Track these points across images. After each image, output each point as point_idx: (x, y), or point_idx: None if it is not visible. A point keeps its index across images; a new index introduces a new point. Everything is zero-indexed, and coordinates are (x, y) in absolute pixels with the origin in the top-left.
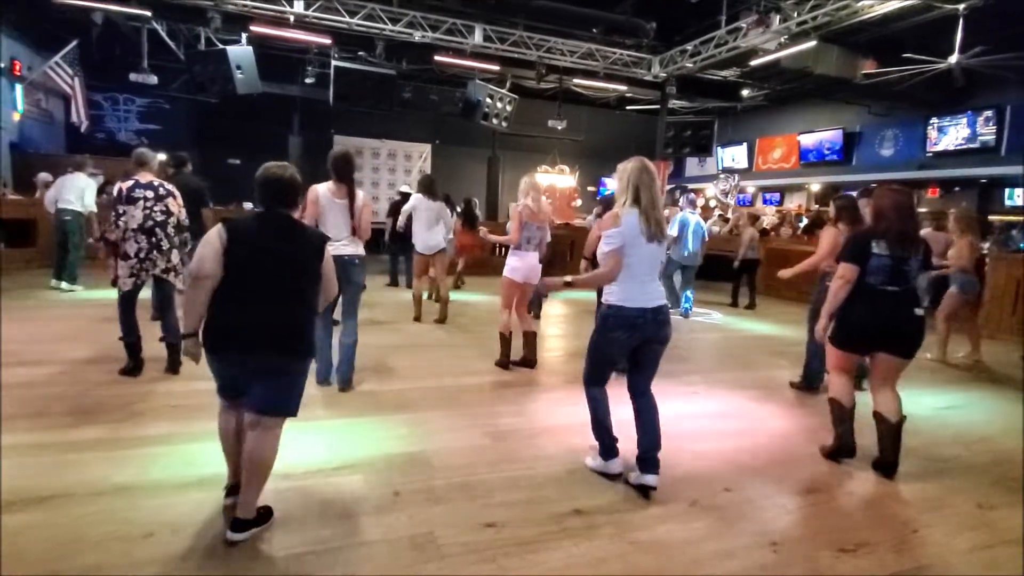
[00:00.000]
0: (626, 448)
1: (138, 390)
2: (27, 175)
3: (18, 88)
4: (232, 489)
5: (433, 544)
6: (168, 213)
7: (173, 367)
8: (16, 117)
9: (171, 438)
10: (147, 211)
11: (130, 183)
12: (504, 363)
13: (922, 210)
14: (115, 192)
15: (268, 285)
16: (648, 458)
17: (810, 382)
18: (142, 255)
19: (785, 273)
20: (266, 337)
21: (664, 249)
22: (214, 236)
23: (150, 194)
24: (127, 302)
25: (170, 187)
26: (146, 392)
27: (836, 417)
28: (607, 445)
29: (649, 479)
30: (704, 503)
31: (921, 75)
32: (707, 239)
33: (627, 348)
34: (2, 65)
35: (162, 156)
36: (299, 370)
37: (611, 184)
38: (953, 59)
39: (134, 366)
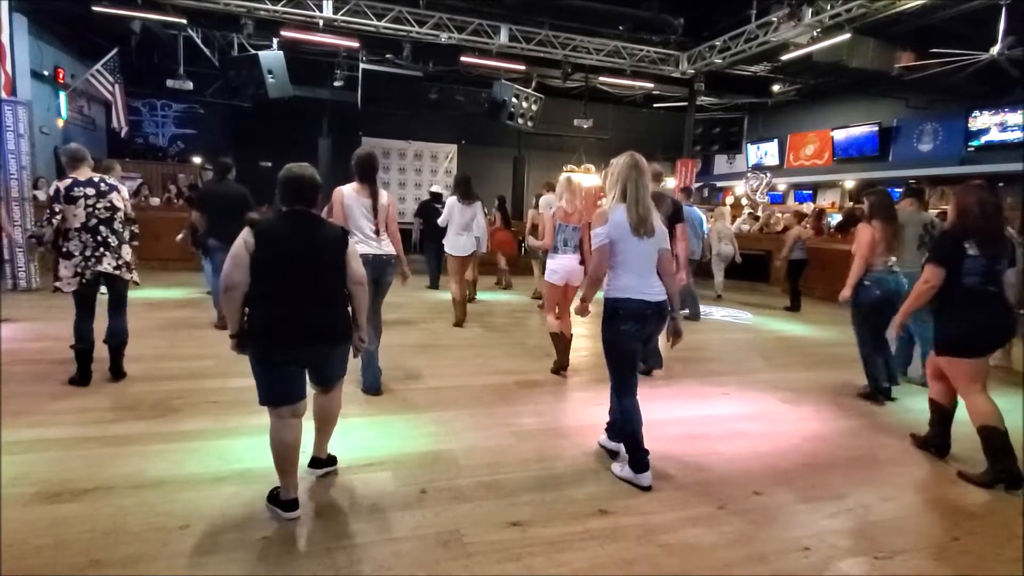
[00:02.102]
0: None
1: (175, 387)
2: None
3: (62, 95)
4: (290, 505)
5: (459, 542)
6: (113, 209)
7: (116, 373)
8: (60, 123)
9: (206, 433)
10: (89, 209)
11: (67, 182)
12: (563, 367)
13: None
14: (51, 191)
15: (297, 282)
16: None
17: (878, 391)
18: (87, 253)
19: (845, 294)
20: (305, 332)
21: (658, 244)
22: (240, 246)
23: (91, 191)
24: (82, 306)
25: (113, 182)
26: (183, 389)
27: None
28: (638, 460)
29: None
30: (734, 506)
31: (962, 67)
32: (705, 235)
33: (639, 339)
34: (47, 73)
35: (197, 160)
36: (340, 351)
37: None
38: (995, 50)
39: (81, 377)
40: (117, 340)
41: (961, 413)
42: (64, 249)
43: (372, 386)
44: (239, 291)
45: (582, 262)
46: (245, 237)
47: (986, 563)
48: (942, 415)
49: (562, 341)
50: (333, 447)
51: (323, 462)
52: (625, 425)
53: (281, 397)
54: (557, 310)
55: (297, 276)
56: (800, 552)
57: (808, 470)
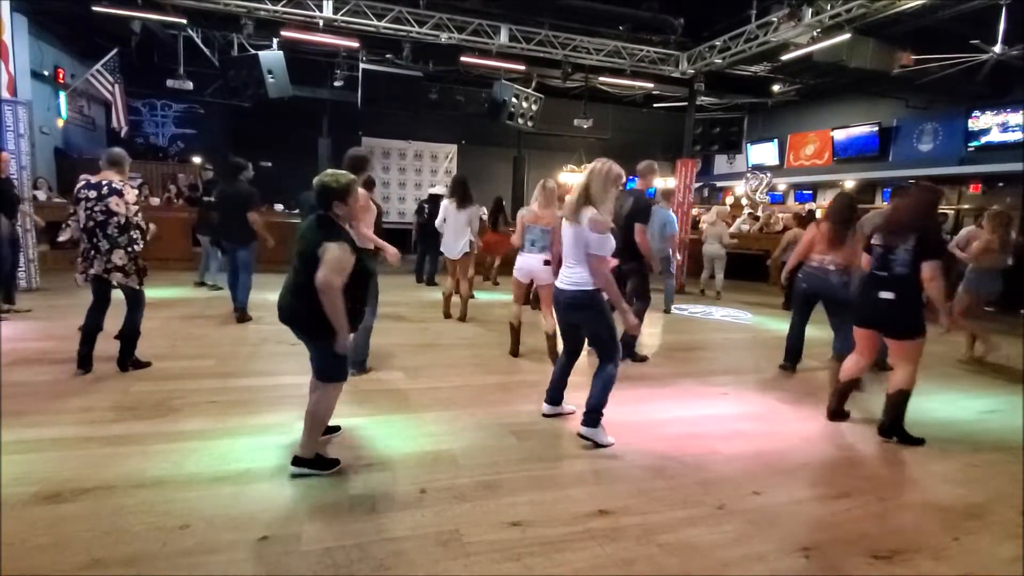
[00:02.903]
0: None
1: (175, 387)
2: (71, 179)
3: (62, 95)
4: (327, 429)
5: (459, 542)
6: (109, 213)
7: (120, 365)
8: (60, 123)
9: (206, 433)
10: (88, 211)
11: (80, 183)
12: (514, 352)
13: (964, 206)
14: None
15: (290, 274)
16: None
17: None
18: (84, 255)
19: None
20: (283, 316)
21: (577, 237)
22: None
23: (92, 194)
24: (94, 297)
25: (118, 186)
26: (183, 389)
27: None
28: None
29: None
30: (733, 506)
31: (962, 67)
32: (671, 233)
33: (561, 322)
34: (47, 74)
35: (197, 160)
36: (318, 344)
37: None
38: (995, 50)
39: (79, 360)
40: (123, 332)
41: (959, 410)
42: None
43: (353, 362)
44: None
45: (547, 262)
46: None
47: (986, 563)
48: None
49: (516, 332)
50: (334, 446)
51: (302, 462)
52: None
53: None
54: (530, 305)
55: (291, 269)
56: (800, 552)
57: (808, 470)
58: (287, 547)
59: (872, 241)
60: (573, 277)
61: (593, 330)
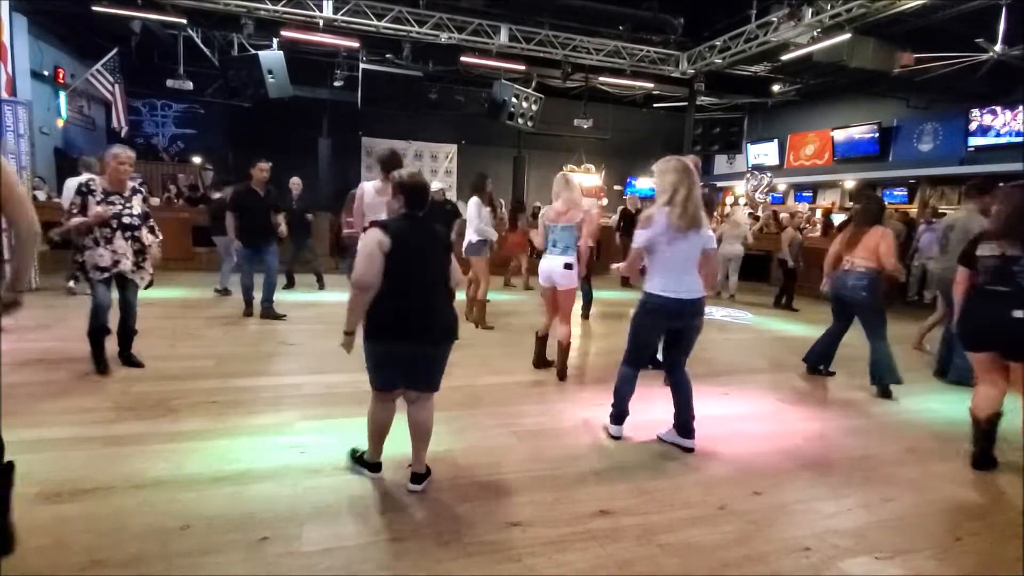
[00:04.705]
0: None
1: (175, 387)
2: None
3: (62, 95)
4: (375, 467)
5: (459, 542)
6: None
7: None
8: (60, 123)
9: (206, 434)
10: None
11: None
12: (537, 363)
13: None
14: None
15: (423, 280)
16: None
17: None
18: None
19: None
20: (447, 331)
21: (702, 242)
22: (375, 247)
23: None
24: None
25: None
26: (183, 389)
27: (973, 431)
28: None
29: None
30: (734, 507)
31: (962, 67)
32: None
33: (661, 332)
34: (47, 73)
35: (197, 160)
36: (448, 351)
37: (643, 183)
38: (996, 50)
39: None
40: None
41: (962, 411)
42: None
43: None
44: (373, 291)
45: (569, 265)
46: (379, 238)
47: (989, 564)
48: (976, 427)
49: (555, 346)
50: (334, 446)
51: (423, 477)
52: (619, 387)
53: (384, 384)
54: (556, 314)
55: (420, 282)
56: (801, 552)
57: (808, 470)
58: (287, 547)
59: (978, 252)
60: (694, 284)
61: (692, 336)
